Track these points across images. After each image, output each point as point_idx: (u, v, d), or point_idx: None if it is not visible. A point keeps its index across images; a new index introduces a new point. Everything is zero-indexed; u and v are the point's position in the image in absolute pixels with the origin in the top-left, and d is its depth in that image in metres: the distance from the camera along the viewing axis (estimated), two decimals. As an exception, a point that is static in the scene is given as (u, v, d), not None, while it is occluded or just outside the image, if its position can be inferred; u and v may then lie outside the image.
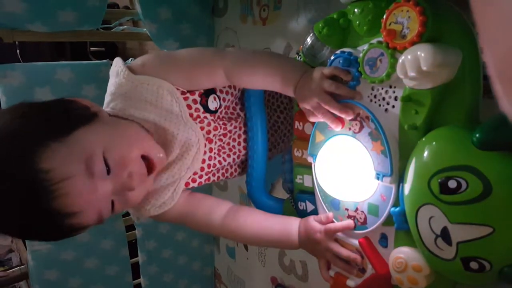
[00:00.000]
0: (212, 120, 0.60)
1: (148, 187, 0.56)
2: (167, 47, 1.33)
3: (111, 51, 2.69)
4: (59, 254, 1.22)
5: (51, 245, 1.19)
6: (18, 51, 1.78)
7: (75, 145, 0.48)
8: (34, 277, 1.20)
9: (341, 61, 0.50)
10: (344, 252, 0.55)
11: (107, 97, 0.59)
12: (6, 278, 1.42)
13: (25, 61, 1.12)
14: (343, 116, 0.50)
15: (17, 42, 1.62)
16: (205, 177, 0.63)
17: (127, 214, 1.38)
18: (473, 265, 0.41)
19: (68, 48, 2.44)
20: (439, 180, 0.41)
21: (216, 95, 0.61)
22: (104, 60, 1.20)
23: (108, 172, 0.50)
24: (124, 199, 0.52)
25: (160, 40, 1.29)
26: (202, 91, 0.59)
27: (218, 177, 0.66)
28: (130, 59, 1.29)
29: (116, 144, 0.51)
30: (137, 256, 1.45)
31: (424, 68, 0.40)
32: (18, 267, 1.35)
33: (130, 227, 1.40)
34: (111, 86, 0.58)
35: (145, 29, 1.29)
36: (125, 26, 1.39)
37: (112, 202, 0.51)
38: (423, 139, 0.44)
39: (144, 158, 0.54)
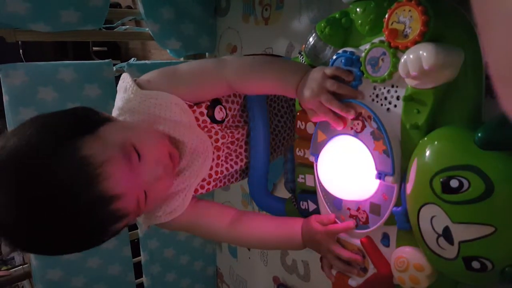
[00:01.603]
0: (219, 129, 0.62)
1: (172, 182, 0.58)
2: (169, 47, 1.33)
3: (113, 50, 2.70)
4: (62, 253, 1.22)
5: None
6: (21, 50, 1.79)
7: (105, 136, 0.50)
8: (37, 276, 1.21)
9: (343, 61, 0.50)
10: (345, 253, 0.55)
11: (115, 112, 0.59)
12: (9, 277, 1.43)
13: (28, 60, 1.12)
14: (345, 115, 0.50)
15: (20, 42, 1.62)
16: (212, 183, 0.64)
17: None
18: (475, 264, 0.41)
19: (71, 48, 2.45)
20: (441, 180, 0.41)
21: (222, 105, 0.62)
22: (107, 60, 1.21)
23: (139, 159, 0.51)
24: (155, 190, 0.53)
25: (162, 40, 1.29)
26: (208, 103, 0.60)
27: (225, 182, 0.67)
28: (133, 59, 1.29)
29: (141, 135, 0.54)
30: (139, 255, 1.45)
31: (426, 68, 0.40)
32: (21, 266, 1.35)
33: (133, 227, 1.40)
34: (119, 101, 0.59)
35: (147, 29, 1.29)
36: (127, 26, 1.40)
37: (145, 193, 0.52)
38: (425, 138, 0.44)
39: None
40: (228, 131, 0.63)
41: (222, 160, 0.64)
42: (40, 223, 0.45)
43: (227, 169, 0.65)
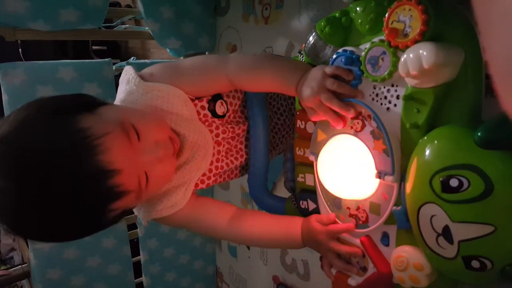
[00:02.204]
0: (220, 124, 0.62)
1: (174, 167, 0.58)
2: (169, 46, 1.33)
3: (113, 49, 2.69)
4: (61, 253, 1.22)
5: (53, 243, 1.19)
6: (20, 49, 1.79)
7: (104, 114, 0.50)
8: (36, 275, 1.21)
9: (343, 60, 0.50)
10: (344, 248, 0.55)
11: (117, 103, 0.59)
12: (8, 277, 1.42)
13: (27, 59, 1.13)
14: (344, 114, 0.50)
15: (19, 41, 1.62)
16: (212, 178, 0.64)
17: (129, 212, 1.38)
18: (475, 264, 0.41)
19: (70, 47, 2.45)
20: (440, 179, 0.41)
21: (223, 100, 0.62)
22: (106, 59, 1.20)
23: (139, 138, 0.51)
24: (156, 172, 0.53)
25: (162, 39, 1.29)
26: (209, 97, 0.60)
27: (224, 178, 0.67)
28: (132, 57, 1.29)
29: (141, 116, 0.53)
30: (139, 255, 1.45)
31: (426, 67, 0.40)
32: (20, 266, 1.35)
33: (132, 226, 1.40)
34: (121, 93, 0.59)
35: (147, 28, 1.29)
36: (127, 25, 1.40)
37: (146, 175, 0.52)
38: (425, 137, 0.44)
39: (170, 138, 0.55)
40: (229, 126, 0.63)
41: (222, 155, 0.64)
42: (37, 197, 0.44)
43: (227, 164, 0.65)
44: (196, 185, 0.62)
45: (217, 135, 0.62)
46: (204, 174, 0.62)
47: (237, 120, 0.65)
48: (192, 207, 0.61)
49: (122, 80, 0.59)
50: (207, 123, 0.60)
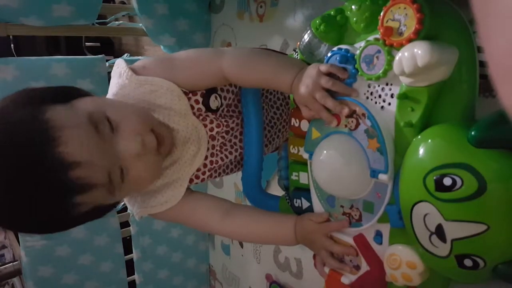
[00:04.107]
0: (214, 118, 0.61)
1: (158, 164, 0.56)
2: (163, 43, 1.32)
3: (106, 46, 2.67)
4: (53, 250, 1.21)
5: (45, 240, 1.18)
6: (12, 45, 1.76)
7: (77, 106, 0.49)
8: (28, 273, 1.19)
9: (338, 58, 0.50)
10: (337, 247, 0.55)
11: (109, 97, 0.59)
12: (-2, 274, 1.41)
13: (19, 55, 1.11)
14: (339, 112, 0.50)
15: (11, 36, 1.60)
16: (208, 173, 0.63)
17: (122, 210, 1.37)
18: (467, 262, 0.41)
19: (63, 43, 2.42)
20: (434, 178, 0.41)
21: (217, 94, 0.61)
22: (100, 55, 1.19)
23: (112, 130, 0.49)
24: (135, 168, 0.51)
25: (156, 36, 1.28)
26: (203, 91, 0.59)
27: (220, 173, 0.66)
28: (126, 54, 1.28)
29: (120, 108, 0.52)
30: (131, 252, 1.44)
31: (421, 66, 0.40)
32: (11, 263, 1.33)
33: (125, 224, 1.40)
34: (113, 87, 0.58)
35: (141, 24, 1.28)
36: (121, 21, 1.38)
37: (122, 168, 0.50)
38: (419, 136, 0.44)
39: (153, 132, 0.53)
40: (223, 120, 0.62)
41: (217, 150, 0.63)
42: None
43: (222, 159, 0.64)
44: (191, 180, 0.62)
45: (211, 129, 0.61)
46: (198, 170, 0.62)
47: (230, 114, 0.64)
48: (186, 202, 0.61)
49: (114, 73, 0.59)
50: (201, 118, 0.60)
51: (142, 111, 0.54)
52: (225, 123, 0.62)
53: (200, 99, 0.59)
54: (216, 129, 0.61)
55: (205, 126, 0.60)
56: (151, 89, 0.55)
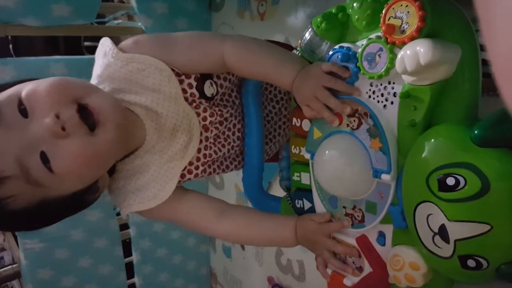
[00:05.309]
0: (207, 106, 0.57)
1: (96, 150, 0.47)
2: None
3: (106, 47, 2.66)
4: (52, 253, 1.20)
5: (44, 243, 1.18)
6: (10, 45, 1.76)
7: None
8: (27, 276, 1.19)
9: (339, 56, 0.50)
10: (340, 247, 0.55)
11: (93, 80, 0.55)
12: (-3, 277, 1.40)
13: (18, 55, 1.11)
14: (341, 111, 0.50)
15: (9, 37, 1.60)
16: (201, 168, 0.59)
17: (121, 212, 1.37)
18: (471, 263, 0.41)
19: (62, 43, 2.41)
20: (437, 178, 0.41)
21: (213, 80, 0.58)
22: (99, 56, 1.19)
23: (26, 115, 0.45)
24: (60, 151, 0.45)
25: (156, 36, 1.28)
26: (198, 75, 0.56)
27: (214, 169, 0.62)
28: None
29: (34, 86, 0.46)
30: (131, 255, 1.43)
31: (423, 64, 0.40)
32: (10, 266, 1.33)
33: (124, 226, 1.39)
34: (97, 68, 0.55)
35: (140, 24, 1.28)
36: (120, 21, 1.38)
37: (44, 154, 0.45)
38: (422, 136, 0.44)
39: (85, 109, 0.47)
40: (217, 109, 0.58)
41: (210, 142, 0.59)
42: None
43: (215, 152, 0.60)
44: (183, 175, 0.57)
45: (205, 119, 0.57)
46: (191, 164, 0.58)
47: (224, 103, 0.61)
48: (178, 200, 0.57)
49: (99, 53, 0.54)
50: (194, 104, 0.56)
51: (59, 81, 0.47)
52: (219, 113, 0.58)
53: (194, 83, 0.55)
54: (209, 119, 0.57)
55: (198, 114, 0.56)
56: (138, 68, 0.51)
